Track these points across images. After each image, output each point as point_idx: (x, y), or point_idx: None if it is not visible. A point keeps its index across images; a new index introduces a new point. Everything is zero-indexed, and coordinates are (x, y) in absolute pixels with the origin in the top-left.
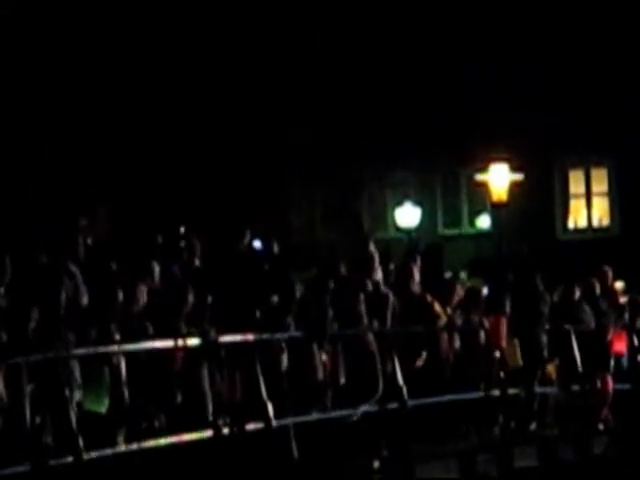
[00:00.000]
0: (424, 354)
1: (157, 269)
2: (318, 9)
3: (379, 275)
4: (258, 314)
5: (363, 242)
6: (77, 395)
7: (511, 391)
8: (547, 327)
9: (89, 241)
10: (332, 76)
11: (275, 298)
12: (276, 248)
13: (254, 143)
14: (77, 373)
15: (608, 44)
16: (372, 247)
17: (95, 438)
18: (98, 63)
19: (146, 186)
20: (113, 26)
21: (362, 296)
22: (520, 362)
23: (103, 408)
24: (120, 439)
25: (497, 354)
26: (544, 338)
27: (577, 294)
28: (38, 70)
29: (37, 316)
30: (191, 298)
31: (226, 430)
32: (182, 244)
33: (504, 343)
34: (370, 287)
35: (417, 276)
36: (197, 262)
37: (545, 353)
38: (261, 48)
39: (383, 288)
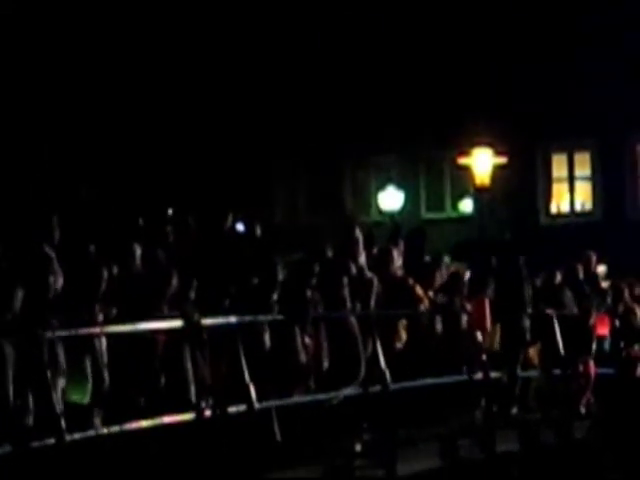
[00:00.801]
0: (404, 337)
1: (138, 252)
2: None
3: (363, 259)
4: (240, 296)
5: (348, 226)
6: (61, 382)
7: (493, 375)
8: (530, 311)
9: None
10: (316, 62)
11: (257, 280)
12: (259, 231)
13: (238, 127)
14: (62, 359)
15: (588, 28)
16: (357, 231)
17: (77, 420)
18: (92, 52)
19: (128, 167)
20: (111, 26)
21: (345, 280)
22: (497, 346)
23: (85, 399)
24: (99, 421)
25: (479, 337)
26: (527, 322)
27: (560, 278)
28: (38, 69)
29: (21, 297)
30: (175, 281)
31: (209, 412)
32: (169, 227)
33: (488, 325)
34: (354, 271)
35: (399, 259)
36: (184, 245)
37: (527, 337)
38: (246, 37)
39: (368, 273)
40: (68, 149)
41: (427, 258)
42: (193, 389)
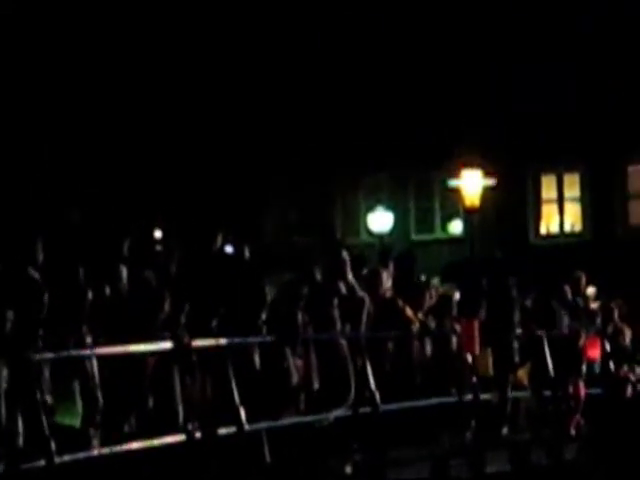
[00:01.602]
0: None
1: (124, 273)
2: (293, 10)
3: (353, 279)
4: (229, 318)
5: (336, 247)
6: (48, 399)
7: (483, 396)
8: (519, 332)
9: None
10: (308, 84)
11: (245, 302)
12: (247, 253)
13: (228, 147)
14: (47, 375)
15: (584, 49)
16: (344, 253)
17: (67, 442)
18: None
19: (117, 186)
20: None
21: (335, 301)
22: (490, 371)
23: (77, 421)
24: (93, 443)
25: (469, 358)
26: (515, 344)
27: (550, 299)
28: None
29: (12, 318)
30: (167, 305)
31: (198, 434)
32: (158, 248)
33: (477, 348)
34: (344, 291)
35: (389, 281)
36: (173, 268)
37: (516, 359)
38: (240, 50)
39: (359, 292)
40: (58, 170)
41: (421, 278)
42: (182, 411)
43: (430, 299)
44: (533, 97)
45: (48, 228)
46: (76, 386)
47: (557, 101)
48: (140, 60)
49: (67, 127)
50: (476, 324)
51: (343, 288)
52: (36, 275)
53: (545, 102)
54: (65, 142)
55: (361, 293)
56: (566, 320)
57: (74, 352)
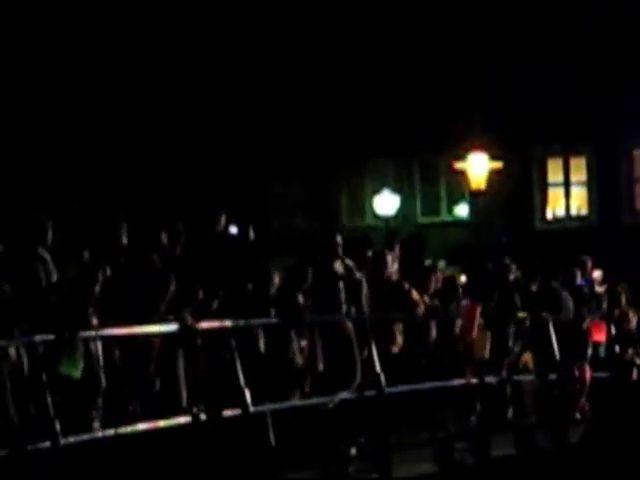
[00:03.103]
0: (400, 341)
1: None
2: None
3: (350, 261)
4: (235, 300)
5: (329, 230)
6: None
7: (488, 379)
8: (523, 316)
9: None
10: (312, 65)
11: (251, 285)
12: (252, 234)
13: (232, 129)
14: None
15: (591, 32)
16: (339, 237)
17: (72, 423)
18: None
19: (120, 167)
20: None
21: (341, 283)
22: (487, 355)
23: (77, 372)
24: (97, 424)
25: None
26: (511, 328)
27: (556, 283)
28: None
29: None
30: (173, 287)
31: (203, 416)
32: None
33: (474, 332)
34: (341, 272)
35: (395, 264)
36: (178, 250)
37: (510, 343)
38: (241, 41)
39: (357, 274)
40: (64, 153)
41: (427, 262)
42: (187, 393)
43: (436, 283)
44: (538, 79)
45: (55, 211)
46: (80, 341)
47: (561, 88)
48: (139, 47)
49: (67, 112)
50: (478, 309)
51: (340, 270)
52: (46, 255)
53: (550, 85)
54: (64, 126)
55: (358, 275)
56: (571, 304)
57: (79, 333)
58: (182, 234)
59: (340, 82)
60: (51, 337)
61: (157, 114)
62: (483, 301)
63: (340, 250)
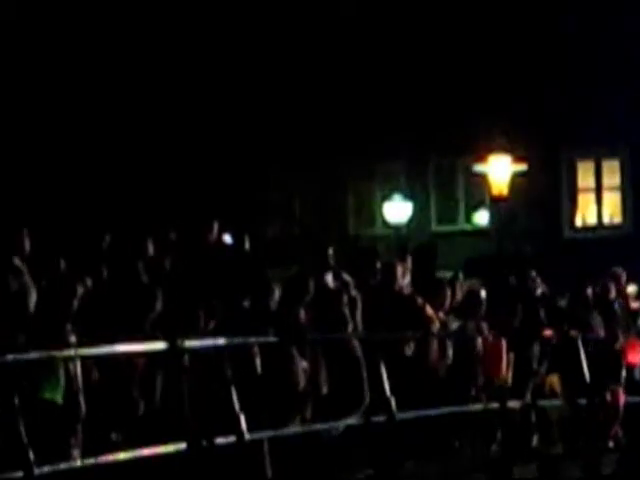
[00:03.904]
0: (412, 348)
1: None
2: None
3: (348, 277)
4: (229, 316)
5: (320, 243)
6: None
7: (511, 404)
8: (549, 334)
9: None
10: (315, 58)
11: (248, 299)
12: (248, 244)
13: (228, 127)
14: None
15: (618, 28)
16: (330, 250)
17: (48, 451)
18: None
19: (101, 167)
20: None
21: (345, 298)
22: (509, 377)
23: (59, 396)
24: (75, 452)
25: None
26: (536, 348)
27: (586, 298)
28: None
29: None
30: (159, 303)
31: (193, 445)
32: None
33: (503, 370)
34: (334, 286)
35: (407, 277)
36: (167, 261)
37: (534, 365)
38: (241, 35)
39: (352, 291)
40: (40, 152)
41: (443, 274)
42: (175, 418)
43: (454, 297)
44: (568, 74)
45: (32, 217)
46: (60, 363)
47: (593, 84)
48: (131, 40)
49: (46, 112)
50: (503, 344)
51: (331, 284)
52: (22, 266)
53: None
54: (47, 127)
55: (354, 293)
56: (603, 321)
57: (56, 352)
58: (171, 243)
59: (345, 76)
60: (25, 357)
61: (143, 109)
62: (505, 322)
63: (332, 262)
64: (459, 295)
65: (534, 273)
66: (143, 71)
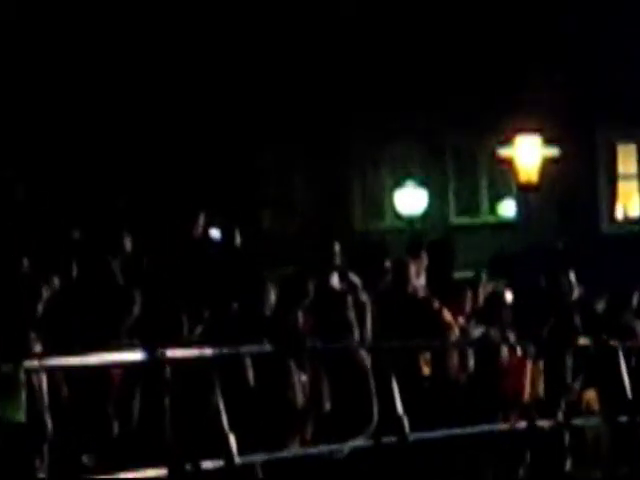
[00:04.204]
0: (427, 373)
1: (74, 268)
2: None
3: (356, 278)
4: (217, 323)
5: (324, 238)
6: None
7: (541, 423)
8: (587, 343)
9: None
10: (315, 28)
11: (239, 302)
12: (238, 239)
13: (216, 106)
14: None
15: None
16: (336, 246)
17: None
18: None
19: (74, 154)
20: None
21: (351, 301)
22: (540, 392)
23: (22, 415)
24: (41, 477)
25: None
26: (570, 360)
27: (629, 301)
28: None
29: None
30: (137, 307)
31: (176, 469)
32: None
33: (527, 392)
34: (340, 288)
35: (421, 277)
36: (145, 259)
37: (568, 377)
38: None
39: (363, 295)
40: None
41: (462, 274)
42: (155, 439)
43: (476, 300)
44: (607, 45)
45: None
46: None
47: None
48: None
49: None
50: (528, 366)
51: (337, 286)
52: None
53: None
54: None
55: (364, 297)
56: None
57: (17, 364)
58: (150, 238)
59: (349, 46)
60: None
61: (116, 87)
62: (535, 329)
63: (338, 261)
64: (481, 298)
65: (571, 273)
66: (129, 54)
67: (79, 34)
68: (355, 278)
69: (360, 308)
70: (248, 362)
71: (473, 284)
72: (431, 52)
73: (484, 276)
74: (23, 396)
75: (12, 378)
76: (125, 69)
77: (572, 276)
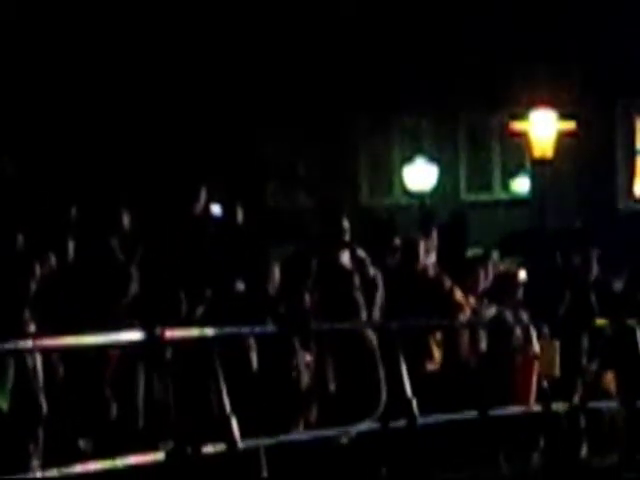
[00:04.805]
0: (437, 356)
1: (71, 246)
2: None
3: (363, 253)
4: (220, 302)
5: (333, 213)
6: None
7: (556, 406)
8: (604, 324)
9: None
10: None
11: (242, 281)
12: (241, 215)
13: (215, 76)
14: None
15: None
16: (345, 222)
17: (2, 461)
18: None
19: (67, 128)
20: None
21: (358, 280)
22: (557, 371)
23: (4, 403)
24: (35, 463)
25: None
26: (586, 341)
27: None
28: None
29: None
30: (136, 285)
31: (176, 453)
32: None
33: (557, 370)
34: (350, 267)
35: (432, 255)
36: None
37: (584, 359)
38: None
39: (371, 269)
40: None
41: (470, 253)
42: (154, 422)
43: (486, 279)
44: (625, 13)
45: None
46: (10, 363)
47: None
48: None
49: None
50: (557, 345)
51: (348, 263)
52: None
53: None
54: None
55: (372, 271)
56: None
57: (10, 344)
58: (150, 215)
59: (354, 13)
60: None
61: (127, 67)
62: (549, 309)
63: (347, 237)
64: (490, 277)
65: (592, 252)
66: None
67: (80, 19)
68: (362, 253)
69: (369, 284)
70: (251, 343)
71: (481, 262)
72: (444, 23)
73: (495, 255)
74: (9, 383)
75: None
76: (129, 47)
77: (591, 255)
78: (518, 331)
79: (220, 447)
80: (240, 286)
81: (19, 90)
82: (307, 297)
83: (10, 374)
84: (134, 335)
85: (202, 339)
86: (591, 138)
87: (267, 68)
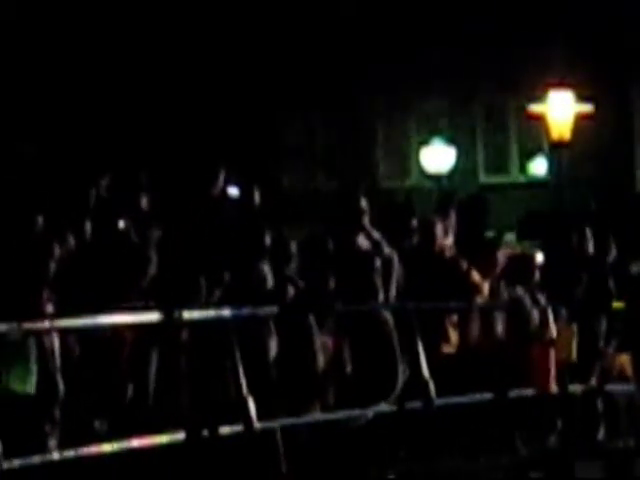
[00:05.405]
0: (454, 338)
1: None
2: None
3: (377, 234)
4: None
5: (351, 195)
6: None
7: (573, 389)
8: (621, 307)
9: None
10: None
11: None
12: (258, 197)
13: (234, 62)
14: None
15: None
16: (363, 202)
17: (19, 441)
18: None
19: (88, 111)
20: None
21: (378, 262)
22: (573, 356)
23: (31, 387)
24: (52, 443)
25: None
26: (603, 323)
27: None
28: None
29: None
30: (153, 267)
31: (193, 434)
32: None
33: (574, 354)
34: (366, 248)
35: (449, 236)
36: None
37: (602, 342)
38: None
39: (386, 249)
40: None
41: (490, 234)
42: (171, 403)
43: (504, 260)
44: None
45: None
46: (32, 343)
47: None
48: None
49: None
50: (574, 330)
51: (365, 245)
52: None
53: None
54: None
55: (388, 251)
56: None
57: (29, 325)
58: (166, 196)
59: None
60: None
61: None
62: (567, 292)
63: (366, 219)
64: (502, 259)
65: (609, 235)
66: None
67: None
68: (377, 235)
69: (386, 264)
70: (269, 324)
71: (496, 244)
72: (462, 5)
73: (511, 237)
74: (33, 366)
75: (20, 346)
76: (152, 29)
77: (609, 238)
78: (535, 314)
79: (237, 428)
80: (261, 267)
81: (39, 73)
82: (324, 278)
83: (32, 356)
84: (152, 316)
85: (219, 320)
86: (608, 121)
87: (286, 51)
